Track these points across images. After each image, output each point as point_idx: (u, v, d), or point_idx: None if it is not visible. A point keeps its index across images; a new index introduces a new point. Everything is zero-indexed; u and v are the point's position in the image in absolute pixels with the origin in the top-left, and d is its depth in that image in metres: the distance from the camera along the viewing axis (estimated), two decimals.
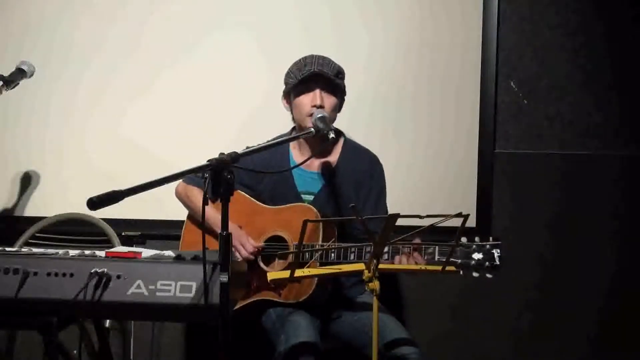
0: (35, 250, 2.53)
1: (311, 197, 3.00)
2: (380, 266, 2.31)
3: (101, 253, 2.39)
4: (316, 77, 2.91)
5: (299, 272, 2.41)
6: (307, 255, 2.74)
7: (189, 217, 3.07)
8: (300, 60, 2.98)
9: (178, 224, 3.12)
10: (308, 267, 2.55)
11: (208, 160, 2.19)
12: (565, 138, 3.63)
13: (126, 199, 2.13)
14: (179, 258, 2.34)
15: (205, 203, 2.15)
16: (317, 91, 2.91)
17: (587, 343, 3.61)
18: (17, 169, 3.66)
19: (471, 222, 2.93)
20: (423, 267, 2.60)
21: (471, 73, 3.58)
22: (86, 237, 3.34)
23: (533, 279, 3.62)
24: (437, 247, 2.63)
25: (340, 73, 2.97)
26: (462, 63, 3.59)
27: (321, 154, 3.02)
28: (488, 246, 2.59)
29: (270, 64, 3.52)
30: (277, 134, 3.07)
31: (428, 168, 3.60)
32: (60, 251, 2.43)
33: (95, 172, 3.60)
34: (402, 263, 2.66)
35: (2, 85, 3.13)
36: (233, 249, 2.77)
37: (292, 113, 3.02)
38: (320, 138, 2.78)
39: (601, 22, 3.60)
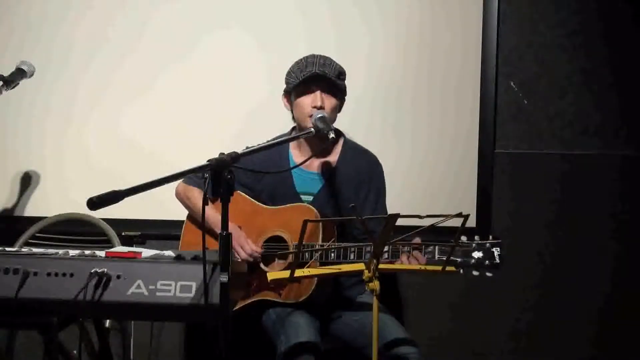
0: (35, 250, 2.54)
1: (310, 198, 3.00)
2: (380, 266, 2.31)
3: (101, 253, 2.39)
4: (317, 78, 2.90)
5: (299, 272, 2.41)
6: (306, 255, 2.74)
7: (189, 217, 3.07)
8: (301, 60, 2.98)
9: (178, 224, 3.12)
10: (308, 267, 2.55)
11: (208, 160, 2.20)
12: (565, 138, 3.63)
13: (126, 199, 2.13)
14: (179, 258, 2.34)
15: (205, 203, 2.15)
16: (318, 92, 2.91)
17: (587, 343, 3.61)
18: (17, 169, 3.66)
19: (471, 222, 2.92)
20: (423, 267, 2.60)
21: (471, 73, 3.58)
22: (86, 237, 3.34)
23: (533, 278, 3.62)
24: (437, 246, 2.63)
25: (341, 74, 2.97)
26: (462, 63, 3.59)
27: (321, 154, 3.02)
28: (488, 245, 2.59)
29: (270, 64, 3.52)
30: (277, 134, 3.07)
31: (428, 168, 3.60)
32: (60, 251, 2.44)
33: (95, 172, 3.60)
34: (402, 263, 2.66)
35: (2, 85, 3.13)
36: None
37: (292, 113, 3.02)
38: (320, 138, 2.78)
39: (601, 22, 3.61)
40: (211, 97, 3.61)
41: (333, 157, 3.04)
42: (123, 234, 3.52)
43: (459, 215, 2.26)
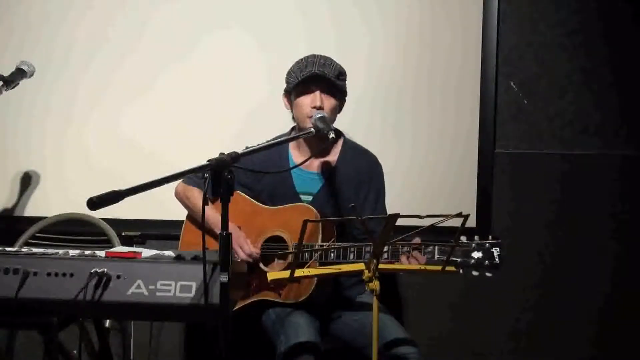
0: (35, 250, 2.53)
1: (310, 198, 3.00)
2: (380, 266, 2.31)
3: (101, 253, 2.39)
4: (317, 78, 2.90)
5: (298, 272, 2.41)
6: (306, 256, 2.74)
7: (188, 217, 3.07)
8: (302, 59, 2.98)
9: (178, 224, 3.12)
10: (308, 267, 2.55)
11: (208, 160, 2.20)
12: (565, 138, 3.63)
13: (126, 199, 2.13)
14: (179, 258, 2.34)
15: (205, 203, 2.15)
16: (317, 92, 2.91)
17: (587, 343, 3.61)
18: (17, 169, 3.66)
19: (471, 222, 2.92)
20: (423, 267, 2.60)
21: (471, 73, 3.58)
22: (86, 237, 3.34)
23: (533, 278, 3.62)
24: (436, 246, 2.63)
25: (341, 74, 2.97)
26: (462, 63, 3.59)
27: (321, 154, 3.02)
28: (487, 245, 2.59)
29: (270, 64, 3.52)
30: (277, 134, 3.07)
31: (428, 168, 3.60)
32: (60, 251, 2.44)
33: (95, 172, 3.60)
34: (402, 263, 2.66)
35: (2, 85, 3.13)
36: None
37: (292, 113, 3.02)
38: (320, 138, 2.78)
39: (601, 22, 3.61)
40: (211, 97, 3.61)
41: (333, 157, 3.04)
42: (123, 234, 3.52)
43: (459, 215, 2.26)
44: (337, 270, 2.57)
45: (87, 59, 3.64)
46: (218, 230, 2.16)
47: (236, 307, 2.82)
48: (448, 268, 2.44)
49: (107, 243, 3.30)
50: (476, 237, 2.61)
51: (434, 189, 3.59)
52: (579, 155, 3.62)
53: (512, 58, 3.62)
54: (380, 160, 3.11)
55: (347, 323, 2.93)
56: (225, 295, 2.13)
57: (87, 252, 2.42)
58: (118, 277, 2.26)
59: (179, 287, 2.24)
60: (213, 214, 2.75)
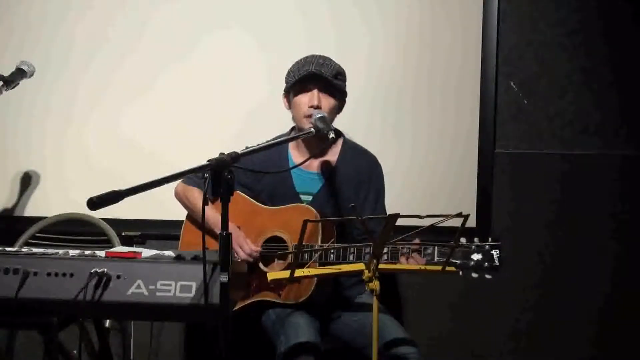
0: (35, 250, 2.54)
1: (310, 198, 3.00)
2: (380, 266, 2.31)
3: (101, 253, 2.39)
4: (314, 77, 2.91)
5: (298, 272, 2.41)
6: (306, 256, 2.73)
7: (188, 217, 3.07)
8: (301, 59, 2.98)
9: (178, 224, 3.12)
10: (307, 267, 2.55)
11: (208, 160, 2.20)
12: (565, 138, 3.63)
13: (126, 199, 2.13)
14: (179, 258, 2.34)
15: (205, 203, 2.15)
16: (315, 91, 2.91)
17: (587, 343, 3.61)
18: (17, 169, 3.66)
19: (471, 222, 2.92)
20: (423, 267, 2.60)
21: (471, 73, 3.58)
22: (86, 237, 3.34)
23: (533, 278, 3.62)
24: (436, 247, 2.63)
25: (339, 74, 2.97)
26: (462, 63, 3.59)
27: (320, 154, 3.02)
28: (487, 247, 2.59)
29: (270, 64, 3.52)
30: (277, 134, 3.07)
31: (428, 168, 3.60)
32: (60, 251, 2.44)
33: (95, 172, 3.60)
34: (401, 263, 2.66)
35: (2, 85, 3.13)
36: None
37: (292, 112, 3.02)
38: (320, 138, 2.78)
39: (601, 21, 3.60)
40: (211, 97, 3.61)
41: (333, 157, 3.04)
42: (123, 234, 3.53)
43: (459, 215, 2.26)
44: (337, 271, 2.58)
45: (87, 59, 3.64)
46: (218, 230, 2.16)
47: (236, 308, 2.82)
48: (448, 268, 2.44)
49: (107, 243, 3.30)
50: (476, 239, 2.61)
51: (434, 189, 3.59)
52: (579, 155, 3.62)
53: (512, 58, 3.62)
54: (380, 160, 3.11)
55: (347, 323, 2.93)
56: (225, 295, 2.13)
57: (87, 252, 2.42)
58: (118, 277, 2.26)
59: (179, 287, 2.24)
60: (213, 214, 2.75)
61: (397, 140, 3.59)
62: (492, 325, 3.63)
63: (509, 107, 3.63)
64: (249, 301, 2.89)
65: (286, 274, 2.40)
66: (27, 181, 3.65)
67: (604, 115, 3.62)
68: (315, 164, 3.03)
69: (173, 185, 2.93)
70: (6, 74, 3.16)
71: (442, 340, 3.61)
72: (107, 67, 3.63)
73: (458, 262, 2.58)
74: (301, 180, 3.01)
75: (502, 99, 3.62)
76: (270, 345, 2.81)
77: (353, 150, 3.09)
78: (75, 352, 3.03)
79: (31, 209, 3.64)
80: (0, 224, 3.61)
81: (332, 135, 2.73)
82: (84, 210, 2.35)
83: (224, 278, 2.12)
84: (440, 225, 2.28)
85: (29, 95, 3.57)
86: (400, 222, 2.25)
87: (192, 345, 3.68)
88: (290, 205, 2.93)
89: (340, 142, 3.07)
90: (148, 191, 2.17)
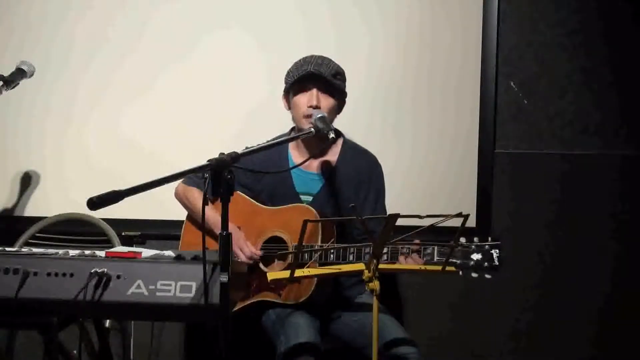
0: (35, 250, 2.53)
1: (310, 198, 3.00)
2: (380, 266, 2.31)
3: (101, 253, 2.39)
4: (313, 77, 2.91)
5: (298, 272, 2.41)
6: (306, 256, 2.73)
7: (188, 217, 3.07)
8: (300, 60, 2.98)
9: (178, 224, 3.12)
10: (308, 267, 2.55)
11: (208, 160, 2.20)
12: (565, 138, 3.63)
13: (126, 199, 2.13)
14: (179, 258, 2.34)
15: (205, 203, 2.15)
16: (314, 91, 2.91)
17: (587, 343, 3.61)
18: (17, 169, 3.66)
19: (471, 222, 2.93)
20: (423, 267, 2.60)
21: (471, 73, 3.58)
22: (86, 237, 3.34)
23: (533, 278, 3.62)
24: (435, 247, 2.63)
25: (338, 74, 2.97)
26: (462, 63, 3.59)
27: (320, 155, 3.02)
28: (487, 247, 2.59)
29: (270, 64, 3.52)
30: (277, 134, 3.07)
31: (428, 168, 3.60)
32: (60, 251, 2.44)
33: (95, 172, 3.60)
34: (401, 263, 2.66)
35: (2, 85, 3.13)
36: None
37: (291, 113, 3.02)
38: (320, 138, 2.78)
39: (601, 22, 3.60)
40: (211, 97, 3.61)
41: (333, 157, 3.04)
42: (123, 234, 3.52)
43: (459, 215, 2.26)
44: (337, 271, 2.58)
45: (87, 59, 3.64)
46: (218, 230, 2.16)
47: (236, 308, 2.82)
48: (448, 268, 2.44)
49: (107, 243, 3.30)
50: (476, 239, 2.61)
51: (434, 189, 3.59)
52: (579, 155, 3.62)
53: (512, 58, 3.62)
54: (380, 160, 3.11)
55: (347, 323, 2.93)
56: (225, 295, 2.13)
57: (87, 252, 2.42)
58: (118, 277, 2.26)
59: (179, 287, 2.24)
60: (213, 215, 2.75)
61: (397, 140, 3.59)
62: (492, 325, 3.63)
63: (509, 107, 3.63)
64: (249, 301, 2.89)
65: (286, 274, 2.40)
66: (27, 181, 3.65)
67: (604, 115, 3.62)
68: (315, 164, 3.03)
69: (173, 185, 2.93)
70: (6, 74, 3.16)
71: (442, 340, 3.61)
72: (107, 67, 3.63)
73: (458, 262, 2.58)
74: (301, 181, 3.01)
75: (502, 99, 3.62)
76: (270, 345, 2.81)
77: (353, 150, 3.08)
78: (75, 352, 3.03)
79: (31, 209, 3.64)
80: (0, 224, 3.61)
81: (332, 135, 2.72)
82: (84, 210, 2.35)
83: (224, 278, 2.12)
84: (440, 225, 2.28)
85: (29, 95, 3.57)
86: (400, 222, 2.25)
87: (192, 345, 3.68)
88: (290, 205, 2.93)
89: (340, 142, 3.07)
90: (148, 191, 2.17)
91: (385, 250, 2.57)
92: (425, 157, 3.60)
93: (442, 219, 2.27)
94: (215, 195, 2.18)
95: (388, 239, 2.34)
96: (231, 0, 3.62)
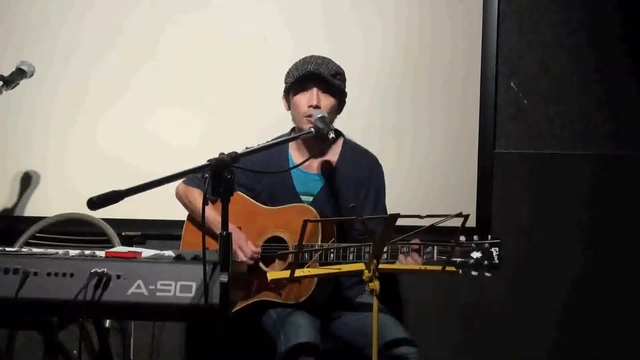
0: (35, 250, 2.54)
1: (310, 198, 3.00)
2: (380, 266, 2.31)
3: (101, 253, 2.39)
4: (313, 77, 2.91)
5: (299, 272, 2.41)
6: (306, 256, 2.74)
7: (189, 217, 3.07)
8: (300, 60, 2.99)
9: (178, 224, 3.12)
10: (308, 267, 2.54)
11: (208, 160, 2.20)
12: (565, 138, 3.63)
13: (126, 199, 2.13)
14: (179, 258, 2.34)
15: (205, 203, 2.15)
16: (314, 90, 2.91)
17: (588, 343, 3.60)
18: (17, 168, 3.66)
19: (471, 222, 2.91)
20: (423, 267, 2.60)
21: (471, 73, 3.58)
22: (86, 237, 3.34)
23: (533, 279, 3.62)
24: (435, 246, 2.63)
25: (338, 74, 2.97)
26: (462, 63, 3.59)
27: (320, 155, 3.02)
28: (487, 245, 2.59)
29: (270, 64, 3.52)
30: (277, 134, 3.07)
31: (428, 168, 3.60)
32: (60, 251, 2.44)
33: (95, 172, 3.59)
34: (401, 263, 2.66)
35: (2, 85, 3.13)
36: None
37: (291, 113, 3.02)
38: (320, 138, 2.78)
39: (601, 22, 3.60)
40: (211, 98, 3.61)
41: (333, 157, 3.04)
42: (123, 234, 3.52)
43: (459, 215, 2.26)
44: (337, 271, 2.57)
45: (87, 59, 3.64)
46: (218, 230, 2.16)
47: (237, 308, 2.82)
48: (448, 268, 2.44)
49: (107, 243, 3.30)
50: (475, 237, 2.61)
51: (434, 189, 3.59)
52: (579, 155, 3.62)
53: (512, 58, 3.62)
54: (380, 160, 3.11)
55: (348, 323, 2.93)
56: (225, 295, 2.12)
57: (87, 252, 2.42)
58: (118, 277, 2.26)
59: (179, 287, 2.24)
60: (213, 215, 2.75)
61: (397, 140, 3.59)
62: (491, 325, 3.62)
63: (509, 107, 3.63)
64: (249, 301, 2.89)
65: (286, 273, 2.40)
66: (27, 181, 3.65)
67: (604, 115, 3.62)
68: (315, 165, 3.03)
69: (173, 185, 2.93)
70: (6, 74, 3.16)
71: (442, 340, 3.61)
72: (106, 67, 3.63)
73: (457, 260, 2.58)
74: (301, 181, 3.01)
75: (502, 99, 3.62)
76: (270, 345, 2.81)
77: (353, 150, 3.08)
78: (75, 352, 3.02)
79: (31, 209, 3.64)
80: (0, 224, 3.61)
81: (332, 135, 2.72)
82: (84, 210, 2.35)
83: (224, 278, 2.12)
84: (440, 225, 2.28)
85: (29, 95, 3.57)
86: (400, 222, 2.25)
87: (192, 345, 3.68)
88: (290, 205, 2.93)
89: (340, 142, 3.07)
90: (148, 191, 2.17)
91: (385, 250, 2.57)
92: (425, 157, 3.60)
93: (442, 219, 2.27)
94: (215, 195, 2.18)
95: (388, 239, 2.34)
96: (232, 0, 3.62)
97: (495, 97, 3.60)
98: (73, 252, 2.41)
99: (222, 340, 2.13)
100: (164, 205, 3.30)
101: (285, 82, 3.00)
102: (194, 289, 2.23)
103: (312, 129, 2.74)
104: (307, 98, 2.92)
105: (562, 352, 3.61)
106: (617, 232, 3.60)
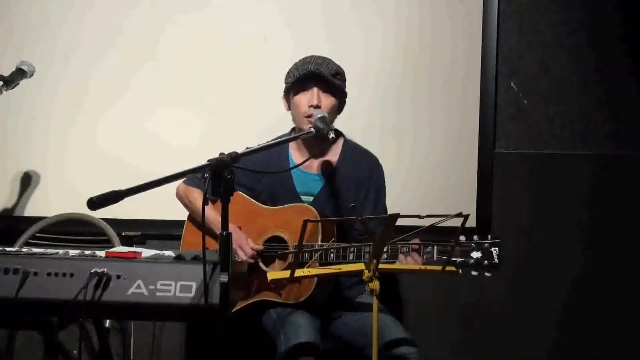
0: (35, 250, 2.54)
1: (311, 198, 3.00)
2: (380, 266, 2.31)
3: (101, 253, 2.39)
4: (314, 76, 2.91)
5: (299, 272, 2.41)
6: (306, 256, 2.74)
7: (190, 217, 3.07)
8: (300, 60, 2.99)
9: (178, 224, 3.12)
10: (308, 267, 2.55)
11: (208, 160, 2.20)
12: (565, 138, 3.63)
13: (126, 199, 2.13)
14: (179, 258, 2.34)
15: (205, 203, 2.15)
16: (315, 90, 2.91)
17: (588, 343, 3.60)
18: (17, 168, 3.66)
19: (471, 222, 2.92)
20: (423, 267, 2.60)
21: (471, 73, 3.58)
22: (86, 237, 3.34)
23: (533, 279, 3.62)
24: (435, 246, 2.63)
25: (338, 74, 2.97)
26: (462, 63, 3.59)
27: (321, 155, 3.02)
28: (487, 245, 2.59)
29: (270, 64, 3.52)
30: (277, 134, 3.07)
31: (428, 168, 3.60)
32: (60, 251, 2.44)
33: (95, 172, 3.59)
34: (401, 263, 2.66)
35: (2, 85, 3.13)
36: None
37: (292, 113, 3.02)
38: (320, 138, 2.78)
39: (601, 22, 3.60)
40: (211, 98, 3.61)
41: (333, 157, 3.04)
42: (123, 234, 3.52)
43: (459, 215, 2.26)
44: (337, 270, 2.57)
45: (88, 59, 3.64)
46: (218, 230, 2.16)
47: (237, 308, 2.82)
48: (448, 268, 2.44)
49: (107, 243, 3.30)
50: (475, 237, 2.61)
51: (434, 189, 3.59)
52: (579, 155, 3.62)
53: (512, 58, 3.62)
54: (380, 160, 3.11)
55: (348, 323, 2.93)
56: (225, 295, 2.13)
57: (87, 252, 2.42)
58: (118, 277, 2.26)
59: (179, 287, 2.24)
60: (214, 215, 2.75)
61: (397, 140, 3.59)
62: (491, 325, 3.62)
63: (509, 107, 3.63)
64: (249, 301, 2.89)
65: (286, 273, 2.40)
66: (27, 181, 3.65)
67: (604, 115, 3.62)
68: (315, 165, 3.03)
69: (173, 185, 2.93)
70: (6, 74, 3.16)
71: (442, 340, 3.61)
72: (106, 67, 3.63)
73: (457, 260, 2.58)
74: (302, 181, 3.01)
75: (502, 99, 3.62)
76: (270, 345, 2.81)
77: (353, 150, 3.08)
78: (75, 352, 3.03)
79: (31, 209, 3.64)
80: (0, 224, 3.61)
81: (332, 135, 2.73)
82: (84, 210, 2.35)
83: (224, 278, 2.12)
84: (440, 225, 2.28)
85: (29, 95, 3.57)
86: (400, 222, 2.25)
87: (192, 345, 3.68)
88: (290, 205, 2.93)
89: (340, 142, 3.07)
90: (148, 191, 2.17)
91: (385, 250, 2.57)
92: (425, 157, 3.60)
93: (442, 219, 2.27)
94: (215, 195, 2.18)
95: (388, 239, 2.34)
96: (233, 1, 3.62)
97: (495, 97, 3.60)
98: (73, 252, 2.41)
99: (222, 340, 2.13)
100: (164, 205, 3.30)
101: (286, 82, 3.00)
102: (194, 289, 2.23)
103: (312, 129, 2.74)
104: (308, 98, 2.92)
105: (562, 352, 3.62)
106: (617, 232, 3.60)
